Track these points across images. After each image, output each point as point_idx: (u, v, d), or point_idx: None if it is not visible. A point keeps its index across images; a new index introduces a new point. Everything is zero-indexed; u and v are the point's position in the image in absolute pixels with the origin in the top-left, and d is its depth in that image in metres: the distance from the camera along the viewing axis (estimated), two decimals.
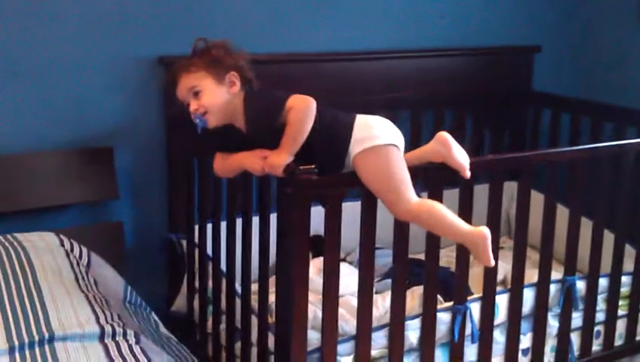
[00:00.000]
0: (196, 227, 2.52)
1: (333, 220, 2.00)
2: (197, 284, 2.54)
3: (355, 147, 1.95)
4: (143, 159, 2.62)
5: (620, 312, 2.65)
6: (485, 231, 1.96)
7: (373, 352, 2.20)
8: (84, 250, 2.27)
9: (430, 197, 2.11)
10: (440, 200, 2.10)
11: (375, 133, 1.95)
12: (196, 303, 2.55)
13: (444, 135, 2.06)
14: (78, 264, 2.18)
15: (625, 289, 2.64)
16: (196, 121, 1.99)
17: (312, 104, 1.94)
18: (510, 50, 3.22)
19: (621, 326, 2.68)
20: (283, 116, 1.94)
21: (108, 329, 1.89)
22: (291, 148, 1.92)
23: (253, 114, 1.99)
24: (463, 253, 2.22)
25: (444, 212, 1.97)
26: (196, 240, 2.52)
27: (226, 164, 2.08)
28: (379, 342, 2.21)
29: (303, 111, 1.93)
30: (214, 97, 2.00)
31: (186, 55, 2.03)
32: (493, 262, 1.99)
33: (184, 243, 2.59)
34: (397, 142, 1.97)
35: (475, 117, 3.18)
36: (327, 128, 1.96)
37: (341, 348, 2.14)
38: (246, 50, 2.07)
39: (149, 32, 2.54)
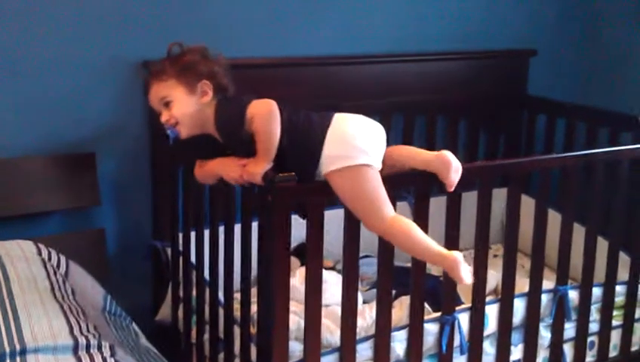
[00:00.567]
0: (180, 235, 2.46)
1: (315, 229, 1.95)
2: (181, 293, 2.49)
3: (327, 164, 1.88)
4: (127, 165, 2.57)
5: (615, 323, 2.59)
6: (457, 256, 1.89)
7: None
8: (63, 259, 2.22)
9: (416, 203, 2.08)
10: (427, 207, 2.06)
11: (348, 151, 1.87)
12: (180, 312, 2.50)
13: (448, 156, 1.99)
14: (55, 273, 2.12)
15: (619, 299, 2.58)
16: (167, 132, 1.95)
17: (272, 107, 1.88)
18: (505, 53, 3.16)
19: (615, 336, 2.61)
20: (247, 126, 1.88)
21: (82, 341, 1.83)
22: (266, 155, 1.87)
23: (220, 125, 1.95)
24: None
25: (418, 233, 1.91)
26: (180, 247, 2.47)
27: (203, 171, 2.03)
28: (364, 353, 2.15)
29: (264, 117, 1.87)
30: (185, 108, 1.95)
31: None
32: (468, 281, 1.92)
33: (168, 250, 2.54)
34: (372, 158, 1.89)
35: (470, 121, 3.12)
36: (298, 135, 1.90)
37: (325, 360, 2.09)
38: (223, 56, 2.02)
39: (133, 35, 2.49)
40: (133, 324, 2.21)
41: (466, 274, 1.90)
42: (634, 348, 2.66)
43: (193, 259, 2.39)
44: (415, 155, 2.04)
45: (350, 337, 2.08)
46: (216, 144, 2.00)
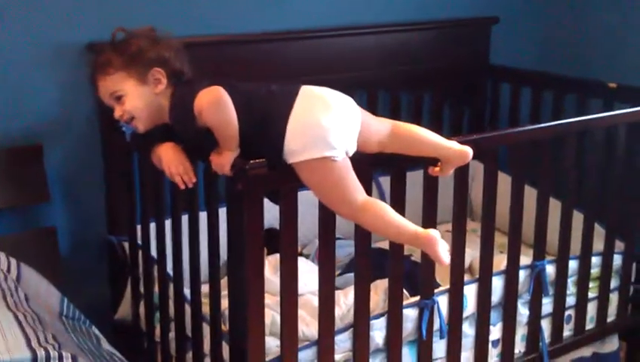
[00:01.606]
0: (138, 227, 2.31)
1: (290, 217, 1.83)
2: (142, 289, 2.34)
3: (290, 156, 1.72)
4: (76, 156, 2.39)
5: (590, 295, 2.55)
6: (433, 234, 1.78)
7: (337, 357, 2.04)
8: (13, 262, 2.04)
9: (392, 179, 1.97)
10: (403, 183, 1.96)
11: (310, 143, 1.69)
12: (142, 310, 2.35)
13: (470, 155, 1.89)
14: (5, 278, 1.95)
15: (595, 271, 2.54)
16: (123, 128, 1.82)
17: (219, 96, 1.69)
18: (466, 22, 3.06)
19: (591, 309, 2.57)
20: (198, 120, 1.72)
21: (41, 353, 1.67)
22: (228, 145, 1.72)
23: (173, 120, 1.80)
24: None
25: (392, 215, 1.78)
26: (139, 241, 2.31)
27: (154, 156, 1.89)
28: (342, 345, 2.05)
29: (212, 109, 1.70)
30: (138, 101, 1.81)
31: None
32: (447, 262, 1.82)
33: (126, 245, 2.38)
34: (338, 148, 1.71)
35: (433, 94, 3.02)
36: (257, 123, 1.73)
37: (302, 354, 1.98)
38: (174, 36, 1.87)
39: (76, 15, 2.30)
40: (93, 328, 2.06)
41: (444, 253, 1.80)
42: (610, 319, 2.62)
43: (154, 252, 2.25)
44: (429, 141, 1.88)
45: (328, 331, 1.98)
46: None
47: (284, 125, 1.71)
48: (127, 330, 2.41)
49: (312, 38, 2.75)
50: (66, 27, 2.29)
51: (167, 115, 1.82)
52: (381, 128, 1.87)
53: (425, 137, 1.89)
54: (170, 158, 1.84)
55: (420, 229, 1.81)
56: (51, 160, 2.32)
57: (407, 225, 1.80)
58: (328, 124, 1.72)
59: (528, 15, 3.21)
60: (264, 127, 1.73)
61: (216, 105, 1.69)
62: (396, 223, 1.79)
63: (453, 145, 1.90)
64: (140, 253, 2.31)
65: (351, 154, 1.78)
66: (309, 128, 1.71)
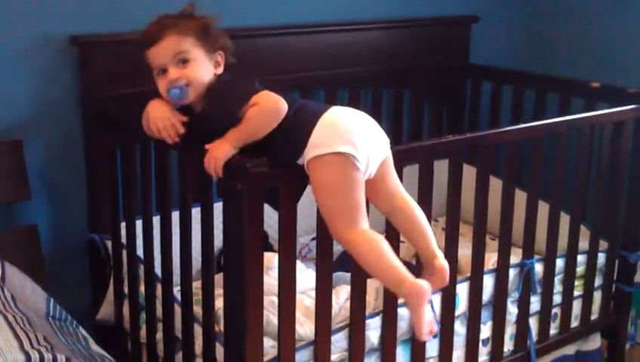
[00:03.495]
0: (123, 225, 2.24)
1: (289, 216, 1.79)
2: (126, 289, 2.27)
3: (310, 150, 1.68)
4: (58, 152, 2.30)
5: (575, 293, 2.56)
6: (424, 285, 1.69)
7: (333, 357, 2.01)
8: None
9: None
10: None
11: (334, 139, 1.67)
12: (126, 310, 2.28)
13: (446, 278, 1.84)
14: None
15: (580, 269, 2.55)
16: (173, 90, 1.72)
17: (280, 106, 1.69)
18: (446, 20, 3.05)
19: (576, 307, 2.58)
20: (243, 110, 1.69)
21: (35, 356, 1.61)
22: (238, 142, 1.69)
23: (213, 100, 1.74)
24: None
25: (386, 251, 1.69)
26: (123, 240, 2.24)
27: (144, 120, 1.83)
28: (338, 345, 2.02)
29: (267, 112, 1.69)
30: (203, 72, 1.75)
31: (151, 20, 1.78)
32: (424, 337, 1.74)
33: (109, 244, 2.31)
34: (359, 153, 1.67)
35: (414, 93, 3.00)
36: (289, 125, 1.71)
37: (299, 355, 1.94)
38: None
39: (59, 8, 2.22)
40: (80, 328, 1.99)
41: (426, 320, 1.70)
42: (593, 317, 2.64)
43: (139, 251, 2.18)
44: (421, 238, 1.83)
45: (325, 331, 1.94)
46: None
47: (314, 123, 1.69)
48: (109, 331, 2.34)
49: (293, 34, 2.71)
50: (48, 19, 2.21)
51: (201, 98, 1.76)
52: (398, 191, 1.83)
53: (424, 230, 1.83)
54: (156, 115, 1.79)
55: (409, 276, 1.70)
56: (32, 156, 2.24)
57: (400, 268, 1.71)
58: (357, 130, 1.70)
59: (508, 14, 3.21)
60: (294, 127, 1.71)
61: (274, 111, 1.69)
62: (389, 263, 1.70)
63: (439, 254, 1.84)
64: (125, 251, 2.25)
65: (367, 176, 1.73)
66: (338, 127, 1.69)
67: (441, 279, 1.84)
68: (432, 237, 1.84)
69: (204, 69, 1.75)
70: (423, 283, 1.70)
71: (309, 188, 1.76)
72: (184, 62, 1.73)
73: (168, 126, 1.78)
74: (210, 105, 1.75)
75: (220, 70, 1.79)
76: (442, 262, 1.83)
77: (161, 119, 1.78)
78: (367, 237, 1.69)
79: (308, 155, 1.69)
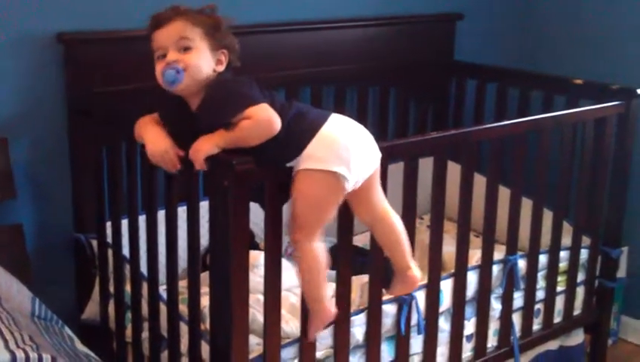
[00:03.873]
0: (108, 224, 2.24)
1: (274, 213, 1.80)
2: (112, 289, 2.27)
3: (303, 161, 1.73)
4: (43, 150, 2.29)
5: (558, 289, 2.59)
6: (332, 314, 1.90)
7: (318, 354, 2.02)
8: None
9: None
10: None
11: (330, 156, 1.72)
12: (111, 310, 2.28)
13: (415, 285, 1.99)
14: None
15: (563, 265, 2.58)
16: (168, 71, 1.71)
17: (274, 126, 1.70)
18: (431, 18, 3.05)
19: (559, 302, 2.61)
20: (237, 118, 1.69)
21: (20, 355, 1.60)
22: (224, 145, 1.70)
23: (209, 101, 1.74)
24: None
25: (322, 273, 1.82)
26: (109, 239, 2.24)
27: (137, 129, 1.85)
28: (324, 342, 2.03)
29: (259, 128, 1.70)
30: (202, 62, 1.74)
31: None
32: (309, 338, 1.94)
33: (94, 243, 2.31)
34: (351, 174, 1.74)
35: (399, 90, 3.01)
36: (284, 132, 1.73)
37: (284, 352, 1.95)
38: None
39: (43, 4, 2.21)
40: (66, 328, 1.98)
41: (314, 332, 1.92)
42: (576, 312, 2.66)
43: (125, 250, 2.18)
44: (397, 249, 1.94)
45: None
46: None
47: (312, 134, 1.73)
48: (95, 331, 2.34)
49: (278, 32, 2.70)
50: (33, 17, 2.20)
51: (199, 94, 1.76)
52: (380, 202, 1.89)
53: (401, 242, 1.93)
54: (153, 150, 1.80)
55: (327, 299, 1.88)
56: (17, 154, 2.23)
57: (324, 292, 1.87)
58: (354, 150, 1.75)
59: (492, 12, 3.23)
60: (290, 135, 1.73)
61: (266, 131, 1.70)
62: (320, 282, 1.84)
63: (413, 265, 1.96)
64: (110, 250, 2.25)
65: (352, 188, 1.79)
66: (336, 145, 1.73)
67: (409, 287, 2.01)
68: (408, 249, 1.95)
69: (204, 60, 1.74)
70: (333, 311, 1.90)
71: None
72: (186, 49, 1.73)
73: (167, 160, 1.79)
74: (206, 105, 1.75)
75: (221, 68, 1.78)
76: (415, 272, 1.96)
77: (159, 154, 1.79)
78: (317, 253, 1.80)
79: (301, 164, 1.73)
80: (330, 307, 1.89)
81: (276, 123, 1.70)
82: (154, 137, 1.81)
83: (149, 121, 1.85)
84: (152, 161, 1.82)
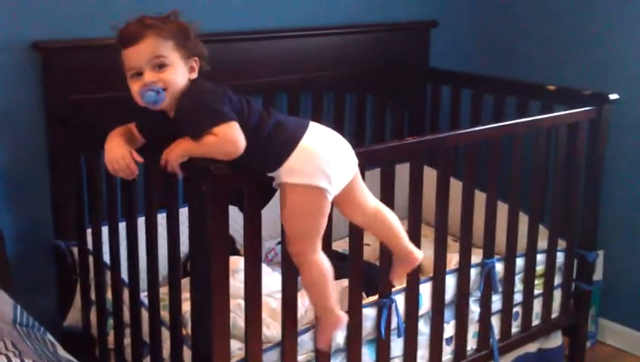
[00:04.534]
0: (88, 231, 2.24)
1: (253, 218, 1.82)
2: (93, 296, 2.27)
3: (285, 174, 1.76)
4: (21, 157, 2.30)
5: (536, 292, 2.62)
6: (343, 318, 1.92)
7: (300, 358, 2.04)
8: None
9: None
10: None
11: (311, 170, 1.75)
12: (93, 316, 2.28)
13: (418, 260, 2.04)
14: None
15: (539, 268, 2.61)
16: (149, 93, 1.71)
17: (236, 148, 1.70)
18: (406, 25, 3.09)
19: (537, 305, 2.64)
20: (205, 132, 1.70)
21: (2, 361, 1.61)
22: (189, 154, 1.72)
23: (182, 111, 1.75)
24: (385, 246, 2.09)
25: (328, 283, 1.86)
26: (89, 246, 2.25)
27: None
28: (305, 346, 2.05)
29: (221, 148, 1.70)
30: (178, 77, 1.74)
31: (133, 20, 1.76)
32: (325, 347, 1.98)
33: (75, 250, 2.31)
34: (332, 186, 1.78)
35: (375, 97, 3.04)
36: (262, 143, 1.75)
37: (266, 356, 1.97)
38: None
39: (19, 13, 2.22)
40: (48, 335, 1.98)
41: (327, 339, 1.95)
42: (554, 315, 2.70)
43: (105, 257, 2.19)
44: (396, 239, 1.99)
45: (292, 333, 1.97)
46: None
47: (292, 147, 1.75)
48: (77, 337, 2.34)
49: (254, 40, 2.73)
50: (9, 25, 2.21)
51: (174, 101, 1.76)
52: (368, 201, 1.93)
53: (398, 231, 1.99)
54: (110, 156, 1.81)
55: (337, 308, 1.90)
56: None
57: (333, 298, 1.89)
58: (333, 162, 1.78)
59: (466, 19, 3.28)
60: (268, 146, 1.75)
61: (227, 153, 1.71)
62: (326, 291, 1.87)
63: (413, 248, 2.03)
64: (91, 257, 2.25)
65: (334, 194, 1.82)
66: (316, 158, 1.76)
67: (410, 266, 2.05)
68: (405, 235, 2.00)
69: (180, 74, 1.74)
70: (342, 315, 1.92)
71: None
72: (161, 66, 1.72)
73: (123, 167, 1.79)
74: (179, 114, 1.76)
75: (194, 75, 1.78)
76: (417, 254, 2.03)
77: (115, 160, 1.79)
78: (319, 263, 1.84)
79: (284, 177, 1.76)
80: (341, 315, 1.92)
81: (240, 144, 1.70)
82: (113, 146, 1.81)
83: (116, 133, 1.85)
84: (109, 168, 1.82)
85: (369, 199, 1.94)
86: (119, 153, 1.79)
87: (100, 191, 2.18)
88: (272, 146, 1.76)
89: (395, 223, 1.97)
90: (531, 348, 2.67)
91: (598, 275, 2.97)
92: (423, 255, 2.05)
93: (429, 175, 2.23)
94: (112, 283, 2.17)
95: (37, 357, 1.75)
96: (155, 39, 1.71)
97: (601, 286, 3.04)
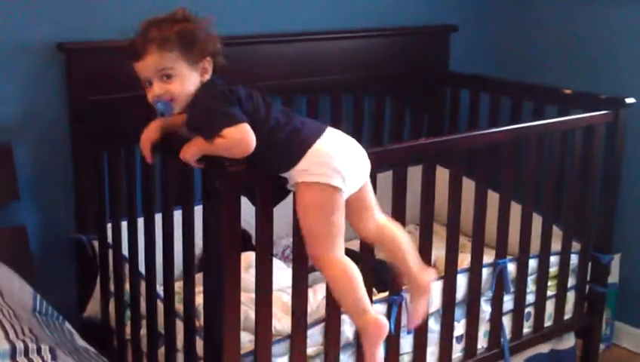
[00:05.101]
0: (109, 226, 2.32)
1: (265, 215, 1.87)
2: (112, 287, 2.34)
3: (299, 174, 1.78)
4: (45, 155, 2.39)
5: (549, 293, 2.63)
6: (385, 323, 1.81)
7: (309, 350, 2.08)
8: None
9: None
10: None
11: (326, 169, 1.77)
12: (112, 308, 2.36)
13: (429, 285, 1.96)
14: None
15: (553, 270, 2.63)
16: (157, 105, 1.77)
17: (247, 146, 1.72)
18: (426, 29, 3.14)
19: (550, 306, 2.66)
20: (214, 135, 1.74)
21: (20, 345, 1.68)
22: (203, 152, 1.77)
23: (192, 114, 1.80)
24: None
25: (358, 280, 1.81)
26: (109, 240, 2.32)
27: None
28: (314, 339, 2.09)
29: (230, 149, 1.73)
30: (187, 85, 1.77)
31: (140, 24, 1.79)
32: (373, 360, 1.83)
33: (96, 243, 2.39)
34: (347, 186, 1.79)
35: (394, 100, 3.09)
36: (278, 143, 1.78)
37: (275, 348, 2.01)
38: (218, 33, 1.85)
39: (45, 15, 2.31)
40: (67, 323, 2.06)
41: (373, 350, 1.82)
42: (567, 316, 2.71)
43: (125, 250, 2.26)
44: (402, 254, 1.94)
45: (301, 324, 2.02)
46: None
47: (307, 147, 1.77)
48: (95, 328, 2.41)
49: (276, 42, 2.78)
50: (35, 26, 2.29)
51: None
52: (377, 213, 1.94)
53: (406, 251, 1.94)
54: (143, 137, 1.89)
55: (372, 309, 1.83)
56: (20, 159, 2.31)
57: (365, 298, 1.82)
58: (348, 163, 1.80)
59: (486, 24, 3.31)
60: (283, 147, 1.78)
61: (237, 152, 1.74)
62: (354, 294, 1.81)
63: (420, 270, 1.96)
64: (110, 251, 2.32)
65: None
66: (330, 158, 1.78)
67: (424, 294, 1.97)
68: (414, 257, 1.96)
69: (188, 82, 1.77)
70: (384, 321, 1.81)
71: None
72: (168, 77, 1.75)
73: (142, 148, 1.89)
74: (191, 119, 1.81)
75: (207, 76, 1.81)
76: (427, 278, 1.96)
77: (141, 140, 1.89)
78: (343, 263, 1.81)
79: (297, 178, 1.78)
80: (379, 317, 1.82)
81: (248, 145, 1.72)
82: (147, 128, 1.89)
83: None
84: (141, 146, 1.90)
85: (378, 211, 1.94)
86: (143, 136, 1.89)
87: (120, 188, 2.25)
88: (286, 148, 1.79)
89: (405, 242, 1.94)
90: (543, 348, 2.68)
91: (614, 278, 2.97)
92: (434, 276, 2.01)
93: (442, 174, 2.27)
94: (129, 276, 2.24)
95: (54, 343, 1.82)
96: (157, 53, 1.74)
97: (617, 289, 3.04)
